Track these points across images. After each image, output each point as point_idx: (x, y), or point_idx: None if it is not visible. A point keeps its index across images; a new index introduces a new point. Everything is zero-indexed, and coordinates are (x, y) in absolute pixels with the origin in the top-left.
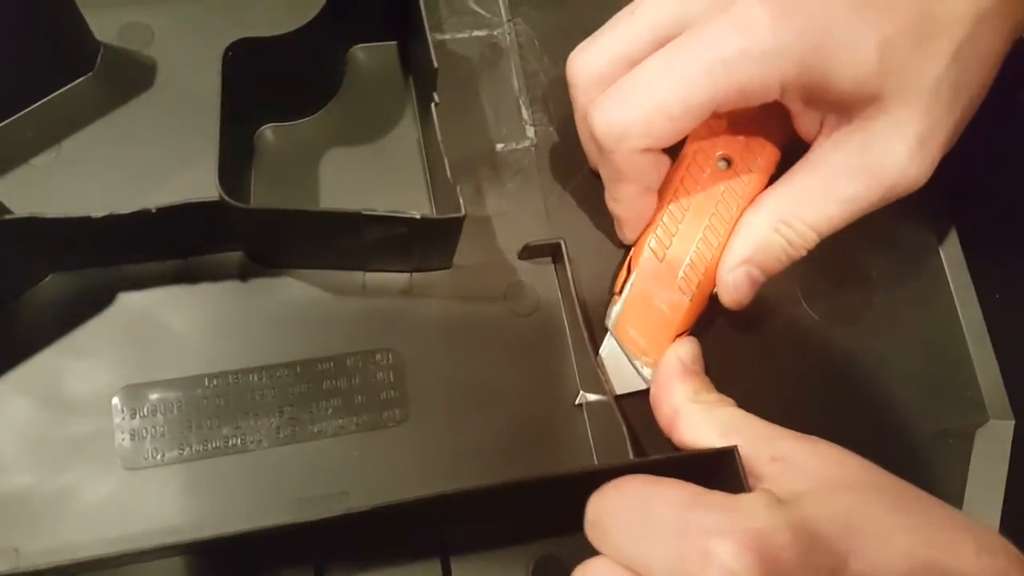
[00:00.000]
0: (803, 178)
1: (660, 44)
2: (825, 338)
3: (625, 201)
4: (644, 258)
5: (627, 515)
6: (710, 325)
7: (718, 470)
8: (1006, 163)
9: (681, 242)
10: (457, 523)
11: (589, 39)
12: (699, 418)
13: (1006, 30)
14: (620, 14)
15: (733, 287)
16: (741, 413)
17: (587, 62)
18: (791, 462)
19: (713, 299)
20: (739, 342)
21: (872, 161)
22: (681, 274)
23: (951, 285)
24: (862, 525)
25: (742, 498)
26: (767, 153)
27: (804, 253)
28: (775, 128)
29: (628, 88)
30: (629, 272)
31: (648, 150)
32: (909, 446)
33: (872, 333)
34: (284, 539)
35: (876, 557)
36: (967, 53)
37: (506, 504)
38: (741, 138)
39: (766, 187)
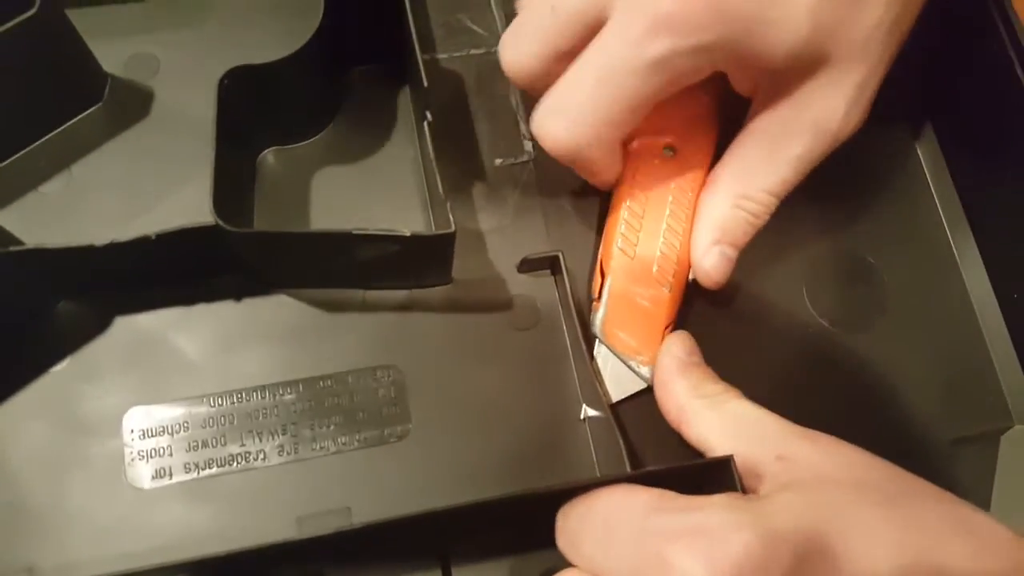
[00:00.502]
0: (749, 148)
1: (586, 31)
2: (835, 345)
3: (597, 175)
4: (615, 259)
5: (592, 524)
6: (714, 337)
7: (715, 480)
8: (1019, 156)
9: (647, 237)
10: (460, 537)
11: (513, 33)
12: (705, 415)
13: None
14: (535, 6)
15: (711, 269)
16: (749, 406)
17: (518, 61)
18: (795, 461)
19: (696, 288)
20: (746, 354)
21: (813, 118)
22: (655, 267)
23: (968, 287)
24: (841, 525)
25: (704, 500)
26: (708, 132)
27: (767, 219)
28: (711, 106)
29: (566, 102)
30: (604, 276)
31: (596, 150)
32: (930, 454)
33: (885, 339)
34: (288, 555)
35: (855, 557)
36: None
37: (508, 518)
38: (681, 124)
39: (714, 160)
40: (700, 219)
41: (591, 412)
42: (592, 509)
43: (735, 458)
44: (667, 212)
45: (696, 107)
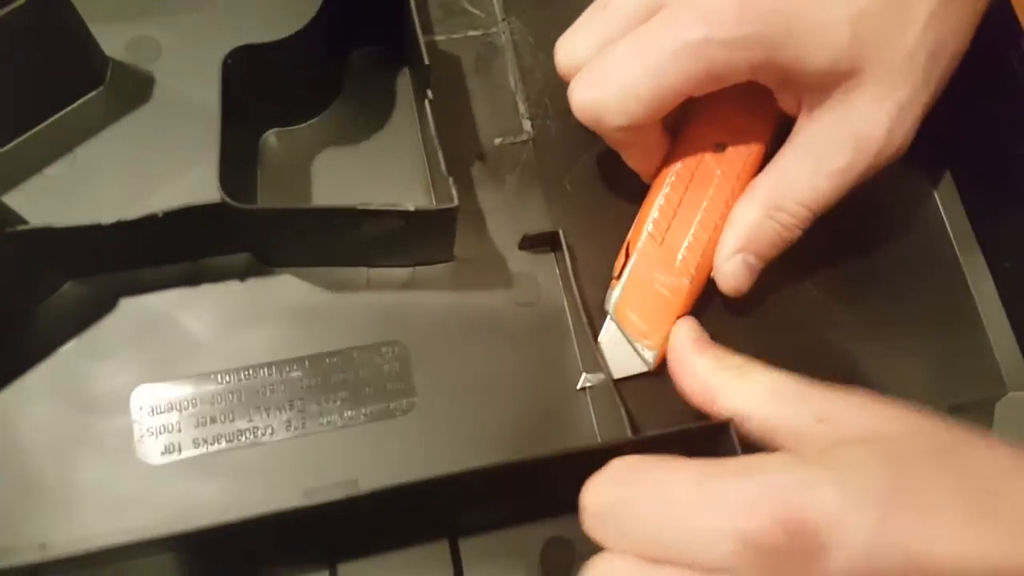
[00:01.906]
0: (789, 159)
1: (638, 26)
2: (830, 315)
3: (634, 160)
4: (643, 242)
5: (641, 501)
6: (709, 307)
7: (714, 443)
8: (1003, 132)
9: (679, 226)
10: (466, 506)
11: (569, 31)
12: (735, 387)
13: None
14: (593, 6)
15: (731, 276)
16: (777, 373)
17: (570, 53)
18: (838, 421)
19: (712, 281)
20: (741, 323)
21: (855, 133)
22: (680, 257)
23: (959, 256)
24: (902, 476)
25: (757, 459)
26: (761, 136)
27: (799, 234)
28: (768, 110)
29: (599, 70)
30: (628, 256)
31: (626, 128)
32: None
33: (879, 308)
34: (297, 524)
35: (926, 509)
36: (942, 19)
37: (513, 486)
38: (736, 122)
39: (761, 168)
40: (730, 225)
41: (589, 382)
42: (633, 486)
43: (773, 423)
44: (703, 206)
45: (753, 112)
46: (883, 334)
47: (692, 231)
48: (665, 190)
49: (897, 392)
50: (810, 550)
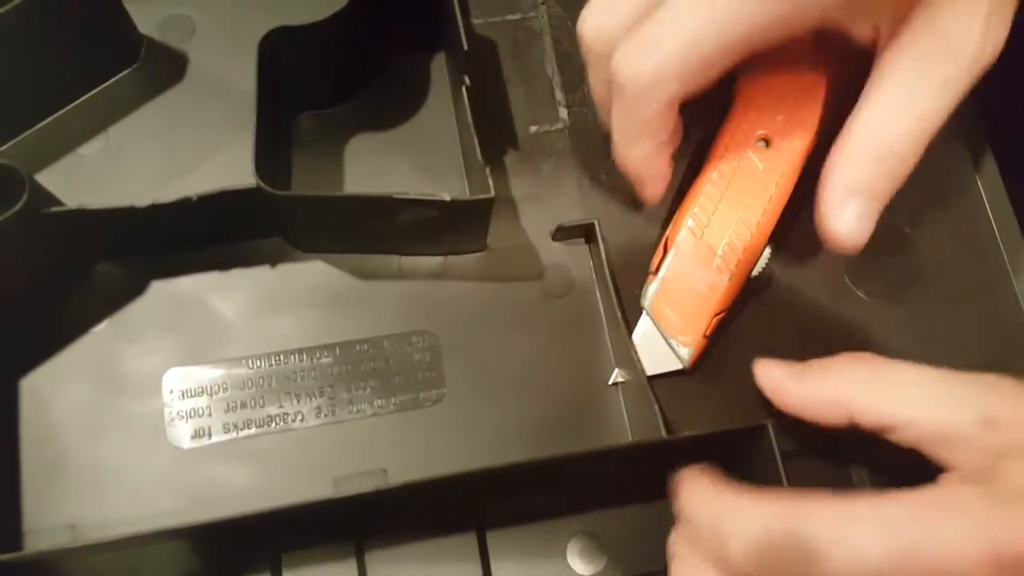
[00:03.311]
0: (884, 92)
1: None
2: (873, 317)
3: (639, 159)
4: (681, 237)
5: (749, 537)
6: (751, 312)
7: (753, 446)
8: None
9: (719, 221)
10: (494, 500)
11: (595, 4)
12: (878, 391)
13: None
14: None
15: (850, 225)
16: (921, 368)
17: (600, 24)
18: (1004, 423)
19: (748, 280)
20: (783, 326)
21: (949, 43)
22: (719, 253)
23: (1005, 257)
24: None
25: (947, 494)
26: (806, 133)
27: (913, 165)
28: (813, 107)
29: (656, 29)
30: (666, 252)
31: (674, 101)
32: None
33: (923, 310)
34: (325, 515)
35: None
36: None
37: (543, 481)
38: (780, 118)
39: (804, 165)
40: (830, 176)
41: (622, 377)
42: (747, 517)
43: (934, 431)
44: (745, 202)
45: (799, 108)
46: (929, 335)
47: (732, 228)
48: (706, 186)
49: None
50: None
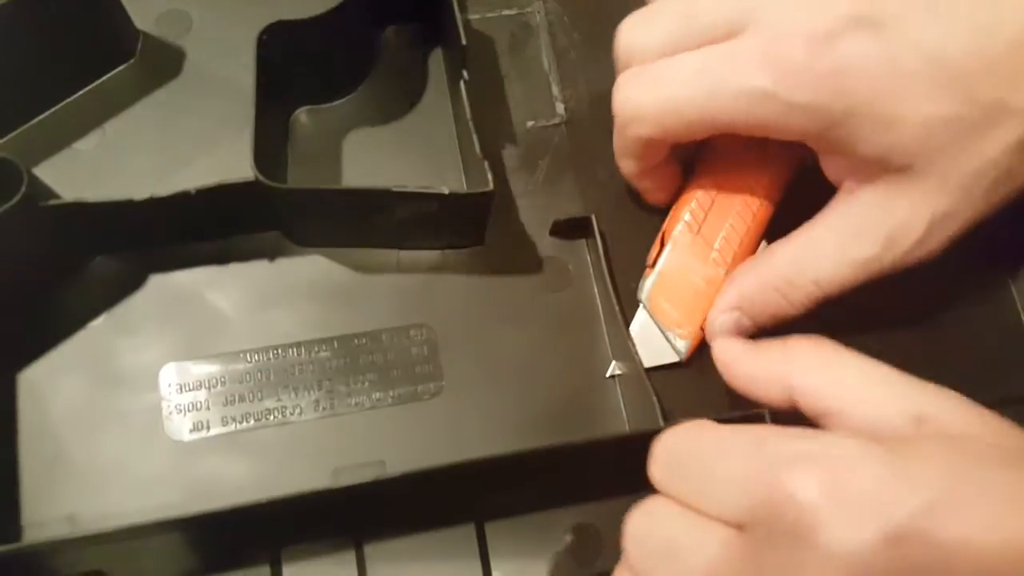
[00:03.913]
0: (816, 235)
1: (712, 43)
2: (870, 306)
3: (628, 173)
4: (678, 231)
5: (697, 453)
6: None
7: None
8: None
9: (716, 215)
10: (493, 490)
11: (641, 18)
12: (824, 379)
13: None
14: (675, 2)
15: (720, 329)
16: (870, 362)
17: (634, 42)
18: (936, 422)
19: None
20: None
21: (891, 228)
22: (717, 247)
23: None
24: (975, 485)
25: (820, 433)
26: None
27: (803, 312)
28: None
29: (655, 75)
30: (663, 245)
31: (652, 142)
32: None
33: (920, 299)
34: (324, 506)
35: (981, 523)
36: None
37: (541, 472)
38: None
39: (801, 159)
40: (736, 280)
41: (619, 370)
42: (696, 438)
43: (868, 424)
44: (742, 195)
45: None
46: (925, 324)
47: (729, 222)
48: (704, 180)
49: (941, 384)
50: (842, 523)
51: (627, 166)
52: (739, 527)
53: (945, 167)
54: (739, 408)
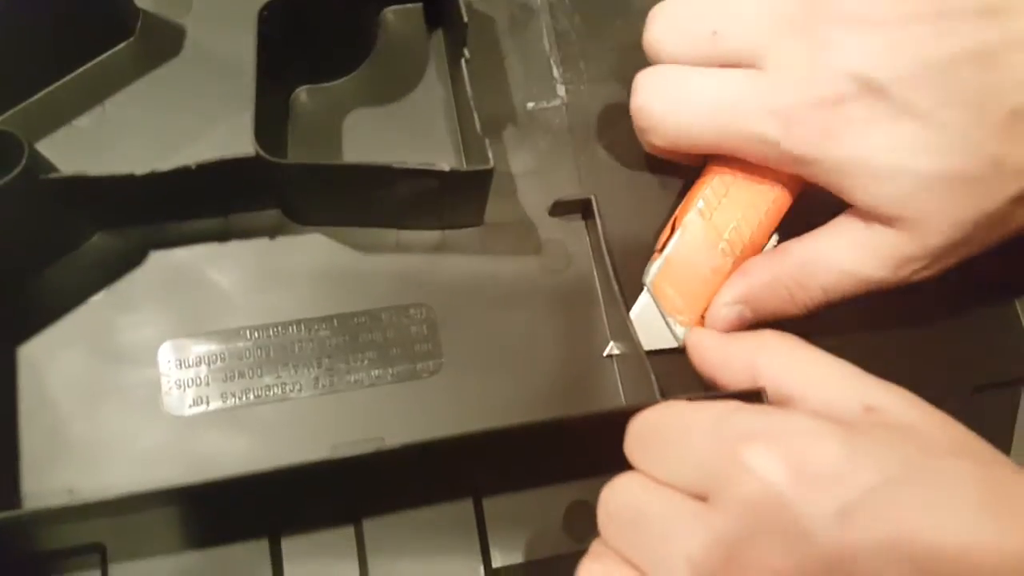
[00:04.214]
0: (829, 240)
1: (730, 65)
2: (868, 305)
3: (650, 152)
4: (690, 218)
5: (665, 428)
6: None
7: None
8: None
9: (729, 206)
10: (490, 467)
11: (683, 8)
12: (784, 366)
13: None
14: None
15: (722, 320)
16: (829, 357)
17: (658, 36)
18: (883, 412)
19: None
20: None
21: (897, 254)
22: (726, 236)
23: None
24: (918, 463)
25: (786, 411)
26: None
27: (803, 313)
28: None
29: (676, 96)
30: (673, 230)
31: (655, 147)
32: (951, 399)
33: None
34: (322, 480)
35: (920, 498)
36: (1019, 202)
37: (538, 448)
38: None
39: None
40: (748, 273)
41: (617, 350)
42: (665, 415)
43: (818, 404)
44: (757, 189)
45: None
46: (912, 308)
47: (741, 213)
48: (720, 169)
49: (925, 367)
50: (799, 495)
51: (649, 148)
52: (703, 498)
53: (940, 217)
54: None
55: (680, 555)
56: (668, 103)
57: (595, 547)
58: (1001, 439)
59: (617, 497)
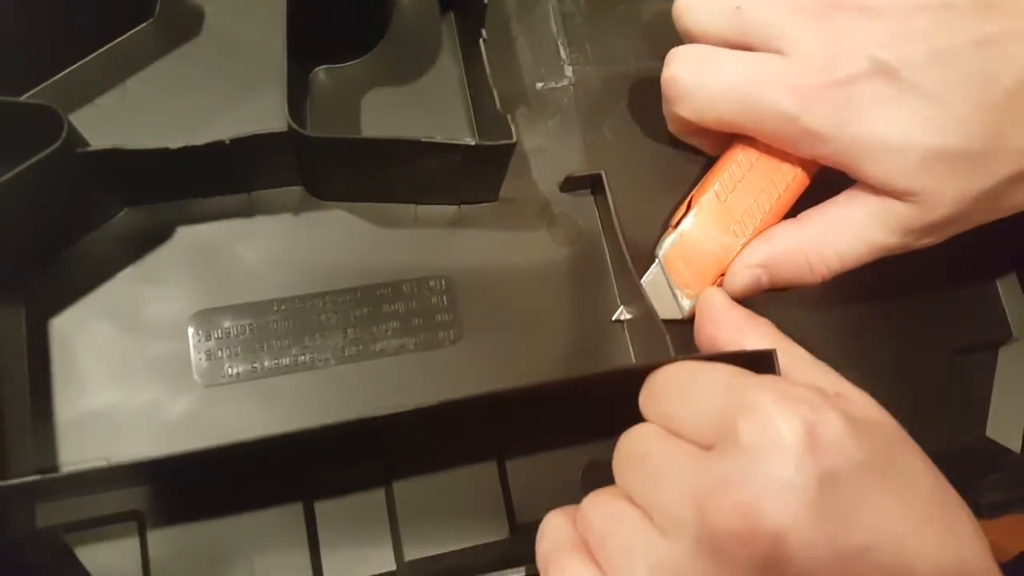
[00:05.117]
0: (845, 210)
1: (754, 46)
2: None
3: (674, 131)
4: (706, 198)
5: (678, 382)
6: None
7: (758, 371)
8: None
9: (745, 189)
10: (512, 429)
11: None
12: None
13: None
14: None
15: (739, 283)
16: (796, 347)
17: (699, 28)
18: (851, 402)
19: None
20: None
21: (905, 223)
22: (739, 217)
23: None
24: (887, 460)
25: (796, 385)
26: None
27: (820, 280)
28: None
29: (705, 71)
30: (689, 208)
31: (683, 121)
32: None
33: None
34: (353, 443)
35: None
36: (1014, 181)
37: (556, 411)
38: None
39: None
40: (770, 239)
41: (626, 314)
42: (680, 370)
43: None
44: (772, 176)
45: None
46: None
47: (754, 198)
48: (739, 155)
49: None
50: (800, 451)
51: (673, 126)
52: (708, 448)
53: (943, 190)
54: None
55: (676, 491)
56: (698, 75)
57: (609, 489)
58: (980, 396)
59: (630, 443)
